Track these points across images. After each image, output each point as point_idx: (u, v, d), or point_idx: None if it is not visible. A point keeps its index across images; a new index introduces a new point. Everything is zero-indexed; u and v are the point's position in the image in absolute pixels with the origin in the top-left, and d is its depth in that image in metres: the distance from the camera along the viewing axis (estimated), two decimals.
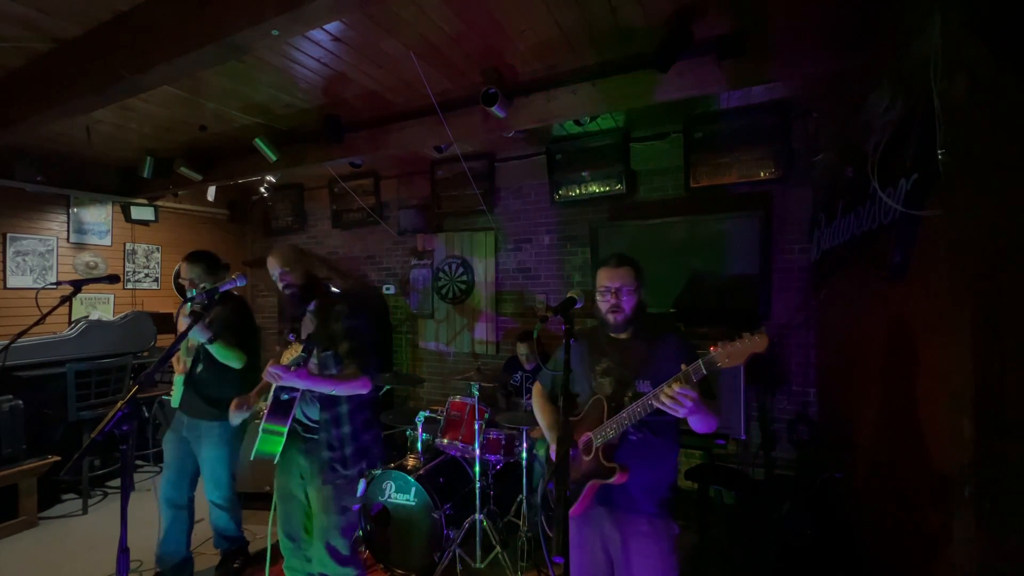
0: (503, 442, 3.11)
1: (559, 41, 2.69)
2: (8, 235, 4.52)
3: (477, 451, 2.97)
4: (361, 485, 2.12)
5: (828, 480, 2.68)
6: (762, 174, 3.61)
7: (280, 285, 2.14)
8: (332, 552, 2.04)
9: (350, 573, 2.07)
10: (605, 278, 1.74)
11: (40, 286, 4.57)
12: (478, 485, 2.95)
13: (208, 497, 2.82)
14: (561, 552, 1.31)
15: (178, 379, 2.73)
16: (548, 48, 2.77)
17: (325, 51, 2.76)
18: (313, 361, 2.04)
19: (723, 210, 3.83)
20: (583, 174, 4.24)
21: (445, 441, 3.19)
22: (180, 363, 2.76)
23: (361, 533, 2.96)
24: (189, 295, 2.65)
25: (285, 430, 2.02)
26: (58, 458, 3.73)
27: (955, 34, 1.51)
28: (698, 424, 1.57)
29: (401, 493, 2.94)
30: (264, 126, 3.79)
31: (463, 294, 4.98)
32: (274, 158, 3.90)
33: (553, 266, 4.62)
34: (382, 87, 3.22)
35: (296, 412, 2.08)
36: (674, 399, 1.44)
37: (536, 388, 2.06)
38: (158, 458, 4.39)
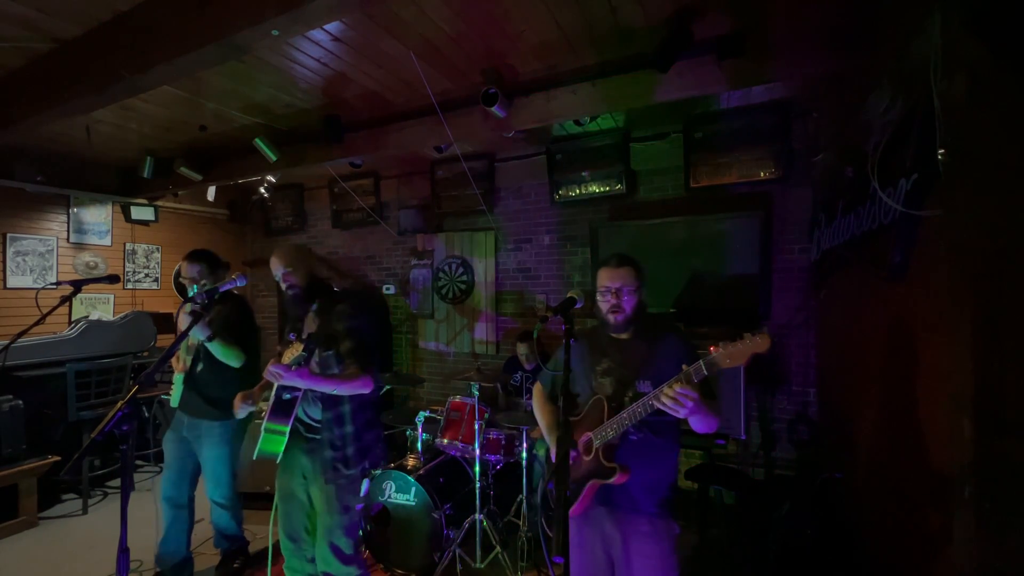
0: (503, 442, 3.11)
1: (559, 41, 2.69)
2: (8, 235, 4.52)
3: (477, 451, 2.97)
4: (365, 485, 2.12)
5: (828, 480, 2.68)
6: (762, 174, 3.61)
7: (283, 285, 2.14)
8: (335, 551, 2.04)
9: (353, 572, 2.07)
10: (606, 278, 1.74)
11: (40, 286, 4.57)
12: (478, 485, 2.95)
13: (209, 496, 2.82)
14: (561, 552, 1.31)
15: (178, 378, 2.73)
16: (548, 48, 2.77)
17: (325, 51, 2.76)
18: (315, 360, 2.04)
19: (723, 210, 3.83)
20: (583, 174, 4.24)
21: (445, 441, 3.19)
22: (180, 362, 2.76)
23: (361, 533, 2.96)
24: (190, 293, 2.65)
25: (287, 429, 2.01)
26: (58, 458, 3.73)
27: (955, 34, 1.51)
28: (699, 424, 1.57)
29: (401, 493, 2.94)
30: (264, 126, 3.79)
31: (463, 294, 4.99)
32: (274, 158, 3.90)
33: (553, 266, 4.62)
34: (382, 87, 3.22)
35: (298, 412, 2.07)
36: (675, 399, 1.44)
37: (536, 388, 2.06)
38: (158, 458, 4.39)
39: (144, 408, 4.42)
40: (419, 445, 3.43)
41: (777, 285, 3.73)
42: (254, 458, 2.06)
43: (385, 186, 5.39)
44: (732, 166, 3.68)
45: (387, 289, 5.48)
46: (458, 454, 3.24)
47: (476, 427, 2.98)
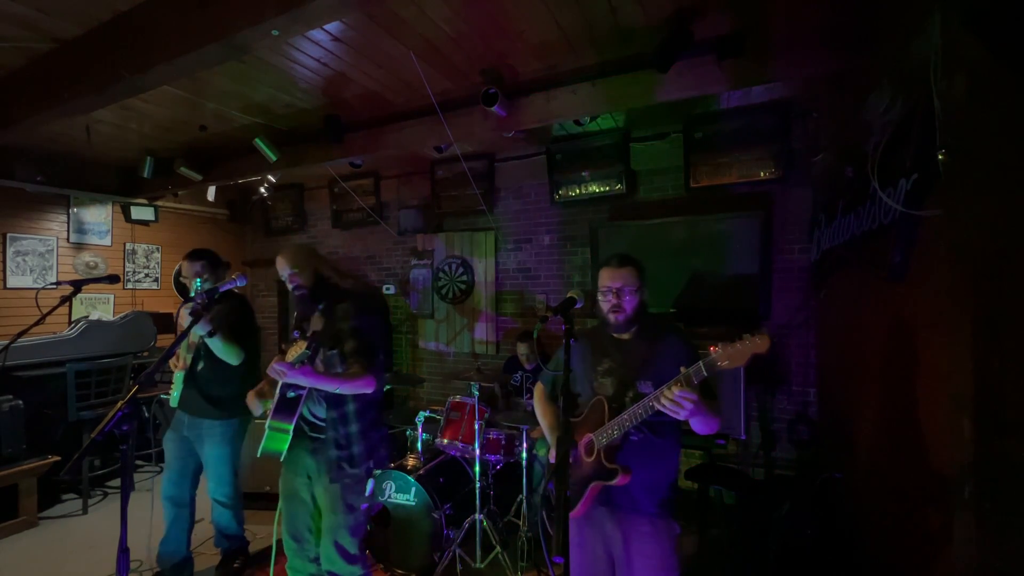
0: (503, 442, 3.11)
1: (559, 41, 2.69)
2: (8, 235, 4.52)
3: (477, 451, 2.97)
4: (369, 485, 2.12)
5: (828, 480, 2.68)
6: (762, 174, 3.61)
7: (289, 286, 2.13)
8: (340, 551, 2.05)
9: (357, 571, 2.07)
10: (607, 278, 1.74)
11: (40, 286, 4.57)
12: (478, 485, 2.95)
13: (212, 495, 2.82)
14: (561, 552, 1.31)
15: (178, 377, 2.72)
16: (548, 48, 2.77)
17: (325, 51, 2.76)
18: (319, 359, 2.04)
19: (723, 210, 3.83)
20: (583, 174, 4.24)
21: (445, 441, 3.19)
22: (180, 360, 2.75)
23: None
24: (191, 293, 2.65)
25: (291, 428, 2.02)
26: (58, 458, 3.73)
27: (955, 34, 1.51)
28: (699, 426, 1.57)
29: (401, 493, 2.94)
30: (264, 126, 3.79)
31: (463, 294, 4.99)
32: (274, 158, 3.90)
33: (553, 266, 4.62)
34: (382, 87, 3.22)
35: (303, 411, 2.07)
36: (674, 402, 1.44)
37: (537, 388, 2.06)
38: (158, 458, 4.39)
39: (144, 408, 4.41)
40: (419, 445, 3.43)
41: (777, 285, 3.73)
42: (258, 455, 2.06)
43: (385, 186, 5.39)
44: (732, 166, 3.68)
45: (387, 289, 5.48)
46: (458, 454, 3.24)
47: (476, 427, 2.98)
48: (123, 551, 1.35)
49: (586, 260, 4.43)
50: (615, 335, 1.79)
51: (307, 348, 1.92)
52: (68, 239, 4.91)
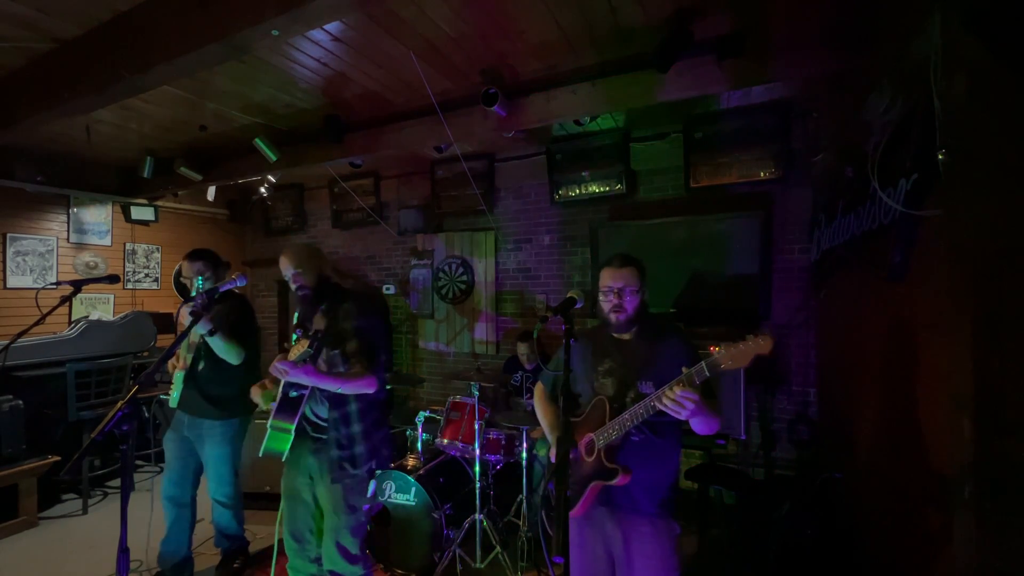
0: (503, 442, 3.11)
1: (559, 41, 2.69)
2: (8, 235, 4.52)
3: (477, 451, 2.97)
4: (372, 485, 2.12)
5: (828, 480, 2.68)
6: (762, 174, 3.61)
7: (292, 286, 2.13)
8: (342, 551, 2.05)
9: (359, 572, 2.07)
10: (608, 278, 1.74)
11: (40, 286, 4.57)
12: (478, 485, 2.95)
13: (212, 496, 2.82)
14: (561, 552, 1.31)
15: (178, 377, 2.72)
16: (548, 48, 2.77)
17: (325, 51, 2.76)
18: (322, 359, 2.04)
19: (723, 210, 3.83)
20: (583, 174, 4.24)
21: (445, 441, 3.19)
22: (181, 360, 2.75)
23: None
24: (193, 293, 2.65)
25: (293, 427, 2.01)
26: (58, 458, 3.73)
27: (955, 34, 1.51)
28: (700, 426, 1.57)
29: (401, 493, 2.94)
30: (264, 126, 3.79)
31: (463, 294, 4.98)
32: (274, 158, 3.90)
33: (553, 266, 4.62)
34: (382, 87, 3.22)
35: (306, 411, 2.07)
36: (676, 401, 1.44)
37: (538, 388, 2.06)
38: (158, 458, 4.39)
39: (144, 408, 4.41)
40: (419, 445, 3.43)
41: (777, 285, 3.73)
42: (260, 455, 2.06)
43: (385, 186, 5.39)
44: (732, 166, 3.68)
45: (387, 289, 5.48)
46: (458, 454, 3.24)
47: (476, 427, 2.98)
48: (123, 551, 1.35)
49: (586, 260, 4.43)
50: (616, 335, 1.79)
51: (309, 347, 1.92)
52: (68, 239, 4.92)
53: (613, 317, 1.72)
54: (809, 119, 3.50)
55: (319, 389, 2.03)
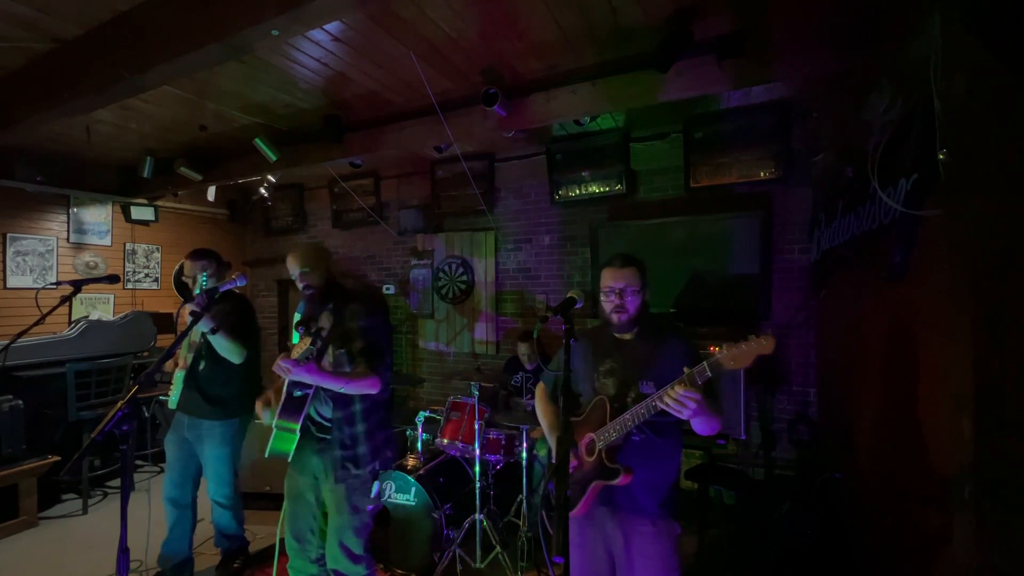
0: (503, 442, 3.11)
1: (559, 41, 2.69)
2: (8, 235, 4.52)
3: (477, 451, 2.97)
4: (375, 486, 2.12)
5: (828, 480, 2.68)
6: (762, 174, 3.61)
7: (299, 285, 2.13)
8: (345, 551, 2.05)
9: (362, 572, 2.08)
10: (609, 278, 1.73)
11: (40, 286, 4.57)
12: (478, 485, 2.95)
13: (211, 496, 2.82)
14: (561, 552, 1.31)
15: (178, 377, 2.71)
16: (548, 48, 2.77)
17: (325, 51, 2.76)
18: (327, 359, 2.04)
19: (723, 210, 3.83)
20: (583, 174, 4.24)
21: (445, 441, 3.19)
22: (181, 360, 2.75)
23: None
24: (196, 292, 2.66)
25: (297, 427, 2.01)
26: (58, 458, 3.73)
27: (955, 34, 1.51)
28: (701, 426, 1.57)
29: (401, 493, 2.94)
30: (264, 126, 3.79)
31: (463, 294, 4.98)
32: (274, 158, 3.90)
33: (553, 266, 4.62)
34: (382, 87, 3.22)
35: (311, 411, 2.07)
36: (678, 401, 1.44)
37: (539, 388, 2.06)
38: (158, 458, 4.40)
39: (144, 408, 4.42)
40: (419, 445, 3.43)
41: (777, 285, 3.73)
42: (266, 456, 2.06)
43: (385, 186, 5.39)
44: (732, 166, 3.68)
45: (387, 289, 5.48)
46: (458, 454, 3.24)
47: (476, 427, 2.98)
48: (123, 551, 1.35)
49: (586, 260, 4.43)
50: (617, 335, 1.79)
51: (311, 345, 1.92)
52: (68, 239, 4.91)
53: (615, 317, 1.72)
54: (809, 119, 3.50)
55: (323, 389, 2.03)
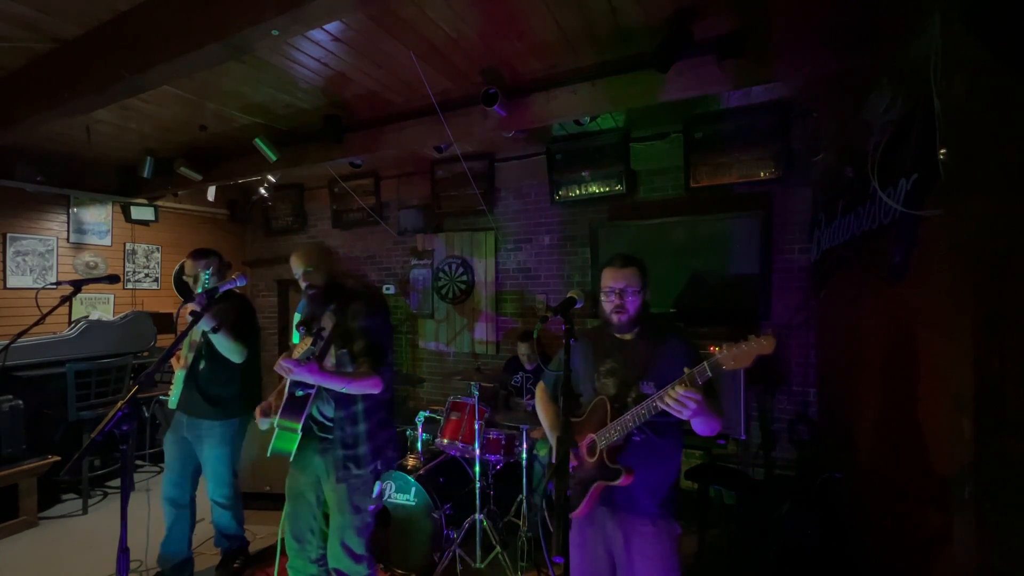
0: (503, 442, 3.11)
1: (559, 41, 2.69)
2: (8, 235, 4.52)
3: (477, 451, 2.97)
4: (377, 487, 2.12)
5: (828, 480, 2.68)
6: (762, 174, 3.61)
7: (302, 284, 2.13)
8: (347, 550, 2.05)
9: (363, 571, 2.08)
10: (610, 278, 1.73)
11: (40, 286, 4.57)
12: (478, 485, 2.94)
13: (211, 496, 2.82)
14: (561, 552, 1.31)
15: (178, 376, 2.71)
16: (548, 48, 2.77)
17: (325, 51, 2.76)
18: (329, 359, 2.04)
19: (723, 210, 3.83)
20: (583, 174, 4.24)
21: (445, 441, 3.19)
22: (182, 359, 2.75)
23: None
24: (200, 287, 2.66)
25: (299, 427, 2.01)
26: (58, 458, 3.73)
27: (955, 34, 1.51)
28: (701, 426, 1.57)
29: (401, 493, 2.94)
30: (264, 126, 3.79)
31: (463, 294, 4.98)
32: (274, 158, 3.90)
33: (553, 266, 4.62)
34: (382, 87, 3.22)
35: (313, 411, 2.07)
36: (679, 401, 1.44)
37: (539, 388, 2.06)
38: (158, 458, 4.40)
39: (144, 408, 4.42)
40: (419, 445, 3.43)
41: (777, 285, 3.73)
42: (268, 455, 2.06)
43: (385, 186, 5.39)
44: (732, 166, 3.68)
45: (387, 289, 5.48)
46: (458, 454, 3.24)
47: (476, 427, 2.98)
48: (123, 551, 1.35)
49: (586, 260, 4.43)
50: (617, 335, 1.79)
51: (312, 345, 1.92)
52: (68, 239, 4.91)
53: (615, 318, 1.72)
54: (809, 119, 3.50)
55: (325, 389, 2.03)
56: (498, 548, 2.90)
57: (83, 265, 5.00)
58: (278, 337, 6.24)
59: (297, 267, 2.12)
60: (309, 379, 1.91)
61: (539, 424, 2.04)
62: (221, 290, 2.07)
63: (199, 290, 2.66)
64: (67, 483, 4.07)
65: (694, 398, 1.43)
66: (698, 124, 3.76)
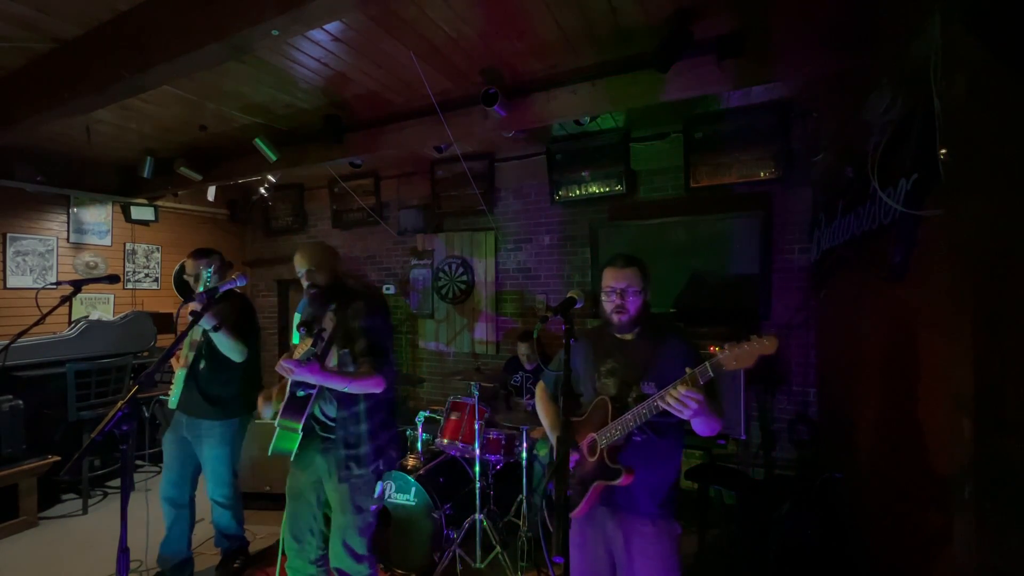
0: (503, 442, 3.11)
1: (559, 41, 2.69)
2: (8, 235, 4.52)
3: (477, 451, 2.97)
4: (379, 487, 2.12)
5: (828, 480, 2.68)
6: (762, 174, 3.61)
7: (304, 283, 2.13)
8: (348, 550, 2.05)
9: (365, 571, 2.08)
10: (611, 278, 1.73)
11: (40, 286, 4.57)
12: (478, 485, 2.95)
13: (211, 496, 2.82)
14: (561, 552, 1.31)
15: (179, 375, 2.71)
16: (548, 48, 2.77)
17: (325, 51, 2.76)
18: (332, 359, 2.04)
19: (723, 210, 3.83)
20: (583, 174, 4.24)
21: (445, 441, 3.19)
22: (182, 359, 2.75)
23: None
24: (202, 285, 2.66)
25: (300, 427, 2.01)
26: (58, 458, 3.73)
27: (955, 34, 1.51)
28: (702, 427, 1.57)
29: (401, 493, 2.94)
30: (264, 126, 3.79)
31: (463, 294, 4.98)
32: (274, 158, 3.90)
33: (553, 266, 4.62)
34: (382, 87, 3.22)
35: (315, 411, 2.08)
36: (680, 401, 1.44)
37: (539, 388, 2.06)
38: (158, 458, 4.39)
39: (144, 408, 4.42)
40: (419, 445, 3.43)
41: (777, 285, 3.73)
42: (269, 455, 2.07)
43: (385, 186, 5.39)
44: (732, 166, 3.68)
45: (387, 289, 5.48)
46: (458, 454, 3.24)
47: (476, 427, 2.98)
48: (123, 551, 1.35)
49: (586, 260, 4.43)
50: (618, 335, 1.79)
51: (312, 346, 1.92)
52: (68, 239, 4.91)
53: (616, 318, 1.72)
54: (809, 119, 3.50)
55: (328, 388, 2.03)
56: (498, 548, 2.90)
57: (83, 265, 5.00)
58: (278, 337, 6.24)
59: (300, 266, 2.12)
60: (311, 379, 1.91)
61: (539, 424, 2.04)
62: (221, 290, 2.08)
63: (200, 288, 2.66)
64: (67, 483, 4.07)
65: (696, 398, 1.43)
66: (698, 124, 3.76)
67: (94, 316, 4.68)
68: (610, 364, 1.76)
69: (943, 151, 1.53)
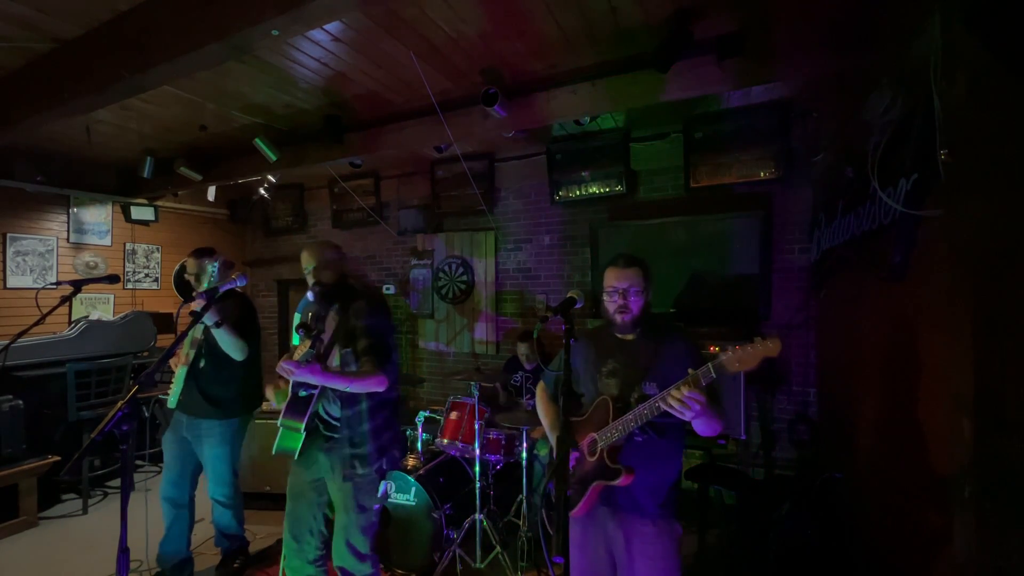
0: (503, 442, 3.11)
1: (559, 41, 2.69)
2: (8, 235, 4.52)
3: (477, 451, 2.97)
4: (382, 487, 2.12)
5: (828, 480, 2.68)
6: (762, 174, 3.61)
7: (309, 281, 2.14)
8: (351, 549, 2.06)
9: (367, 570, 2.08)
10: (613, 278, 1.73)
11: (40, 286, 4.56)
12: (478, 485, 2.95)
13: (211, 496, 2.82)
14: (561, 552, 1.31)
15: (179, 374, 2.71)
16: (548, 48, 2.77)
17: (325, 51, 2.76)
18: (335, 359, 2.04)
19: (723, 210, 3.83)
20: (583, 174, 4.24)
21: (445, 441, 3.19)
22: (182, 357, 2.75)
23: None
24: (206, 282, 2.67)
25: (302, 426, 2.02)
26: (58, 458, 3.73)
27: (955, 34, 1.51)
28: (703, 427, 1.56)
29: (401, 493, 2.94)
30: (264, 126, 3.79)
31: (463, 294, 4.98)
32: (274, 158, 3.90)
33: (553, 266, 4.62)
34: (382, 87, 3.22)
35: (319, 410, 2.08)
36: (682, 402, 1.44)
37: (540, 388, 2.06)
38: (158, 458, 4.39)
39: (144, 408, 4.42)
40: (419, 445, 3.43)
41: (777, 285, 3.73)
42: (272, 454, 2.07)
43: (385, 186, 5.39)
44: (732, 166, 3.68)
45: (387, 289, 5.48)
46: (458, 454, 3.24)
47: (476, 427, 2.98)
48: (123, 551, 1.35)
49: (586, 260, 4.43)
50: (619, 335, 1.79)
51: (311, 347, 1.92)
52: (68, 239, 4.91)
53: (618, 318, 1.72)
54: (809, 119, 3.50)
55: (331, 388, 2.04)
56: (498, 548, 2.90)
57: (83, 265, 5.00)
58: (278, 337, 6.24)
59: (307, 264, 2.12)
60: (312, 380, 1.92)
61: (539, 424, 2.03)
62: (222, 289, 2.07)
63: (205, 285, 2.67)
64: (67, 483, 4.07)
65: (698, 399, 1.43)
66: (698, 124, 3.76)
67: (94, 316, 4.68)
68: (612, 364, 1.75)
69: (943, 151, 1.53)
